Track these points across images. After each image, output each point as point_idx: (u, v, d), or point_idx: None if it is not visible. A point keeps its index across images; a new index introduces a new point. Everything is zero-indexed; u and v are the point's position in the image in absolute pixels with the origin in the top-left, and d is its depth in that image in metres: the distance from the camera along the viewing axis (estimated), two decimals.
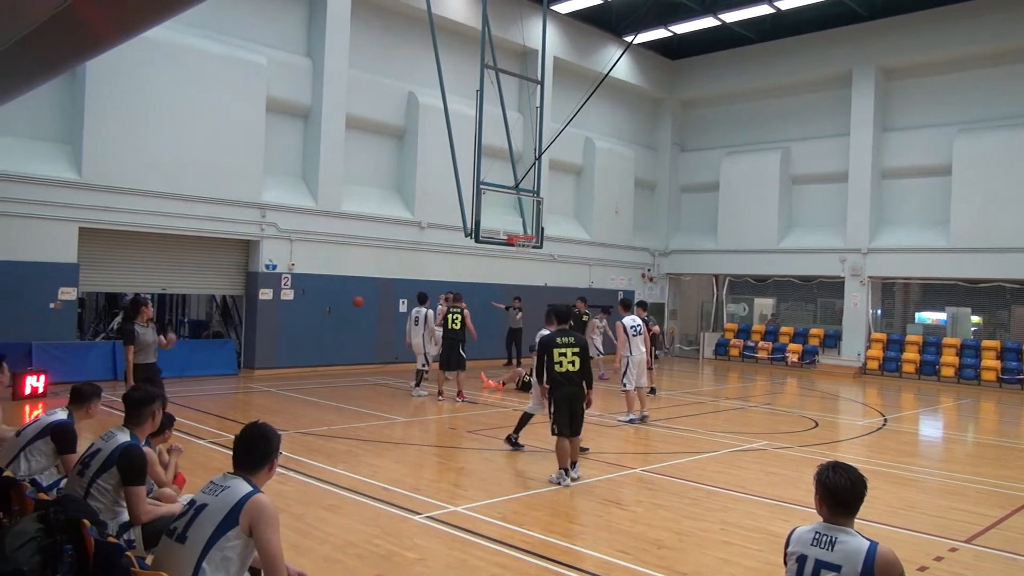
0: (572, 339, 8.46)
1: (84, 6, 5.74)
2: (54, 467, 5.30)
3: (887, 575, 3.13)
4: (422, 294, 15.27)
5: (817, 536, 3.30)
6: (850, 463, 3.44)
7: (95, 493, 4.34)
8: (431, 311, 14.93)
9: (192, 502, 3.55)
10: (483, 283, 21.00)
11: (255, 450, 3.64)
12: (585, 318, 18.32)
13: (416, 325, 14.88)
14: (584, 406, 8.43)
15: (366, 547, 5.97)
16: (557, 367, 8.30)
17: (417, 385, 14.84)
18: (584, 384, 8.42)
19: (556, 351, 8.33)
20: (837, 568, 3.18)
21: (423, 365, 14.90)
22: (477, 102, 16.47)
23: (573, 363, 8.32)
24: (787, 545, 3.44)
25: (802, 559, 3.29)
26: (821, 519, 3.39)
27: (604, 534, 6.60)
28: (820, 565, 3.22)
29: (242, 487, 3.48)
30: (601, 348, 19.47)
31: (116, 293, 19.19)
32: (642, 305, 14.65)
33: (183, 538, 3.39)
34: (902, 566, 3.20)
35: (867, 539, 3.25)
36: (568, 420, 8.29)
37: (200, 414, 11.59)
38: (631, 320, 12.70)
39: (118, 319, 19.09)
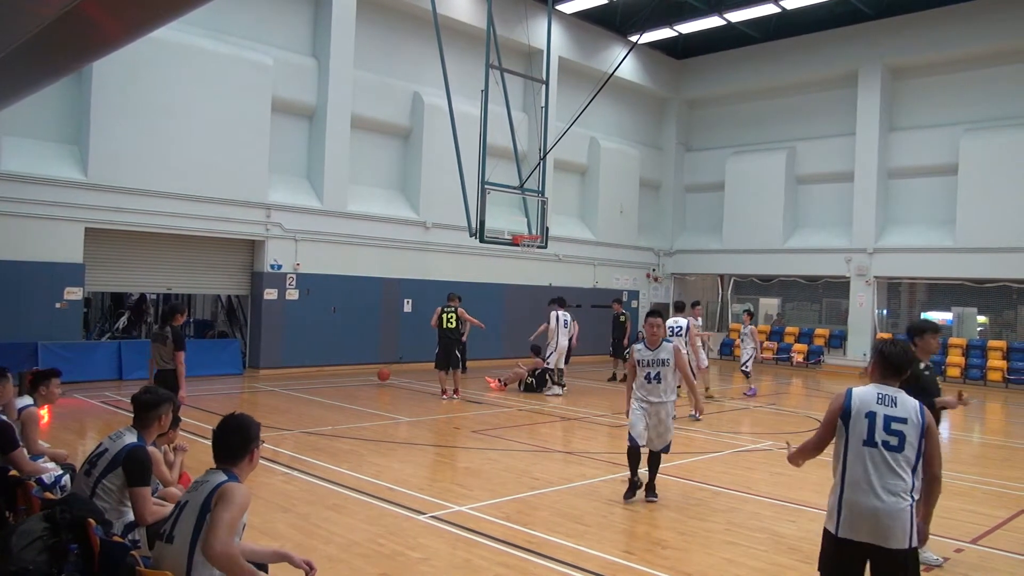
0: None
1: (92, 6, 5.76)
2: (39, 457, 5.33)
3: (932, 428, 3.90)
4: (561, 299, 16.61)
5: (880, 396, 3.95)
6: None
7: (101, 493, 4.36)
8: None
9: (177, 503, 3.63)
10: (488, 283, 20.99)
11: (231, 443, 3.70)
12: (623, 319, 18.14)
13: (564, 327, 15.67)
14: None
15: (370, 547, 5.98)
16: None
17: (559, 384, 15.66)
18: None
19: None
20: (904, 420, 3.86)
21: (565, 363, 15.91)
22: (482, 102, 16.47)
23: None
24: (848, 400, 3.97)
25: (871, 415, 3.91)
26: (873, 383, 4.02)
27: (608, 534, 6.60)
28: (890, 419, 3.87)
29: (219, 478, 3.56)
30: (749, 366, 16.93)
31: (122, 293, 19.27)
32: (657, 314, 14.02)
33: (171, 538, 3.48)
34: None
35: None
36: None
37: (205, 414, 11.60)
38: (671, 322, 13.44)
39: (124, 319, 19.19)
